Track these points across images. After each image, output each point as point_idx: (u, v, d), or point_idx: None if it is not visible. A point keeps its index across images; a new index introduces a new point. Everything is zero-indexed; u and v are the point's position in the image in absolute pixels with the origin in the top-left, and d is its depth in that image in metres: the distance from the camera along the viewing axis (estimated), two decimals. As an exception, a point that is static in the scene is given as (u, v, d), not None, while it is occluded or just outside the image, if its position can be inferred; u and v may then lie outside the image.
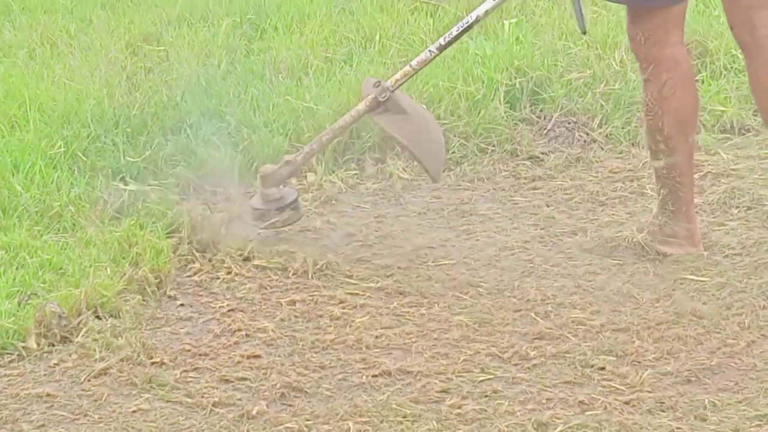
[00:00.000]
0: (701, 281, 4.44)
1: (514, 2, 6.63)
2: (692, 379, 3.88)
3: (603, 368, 3.93)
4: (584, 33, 4.75)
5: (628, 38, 4.54)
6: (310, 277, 4.55)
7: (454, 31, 4.67)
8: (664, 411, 3.71)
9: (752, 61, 4.46)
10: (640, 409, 3.73)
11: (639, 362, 3.97)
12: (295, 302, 4.39)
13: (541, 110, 5.75)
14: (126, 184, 5.10)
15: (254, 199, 4.86)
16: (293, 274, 4.57)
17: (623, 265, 4.56)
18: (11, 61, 6.36)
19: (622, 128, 5.63)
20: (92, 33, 6.64)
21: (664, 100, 4.45)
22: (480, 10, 4.61)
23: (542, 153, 5.50)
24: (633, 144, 5.56)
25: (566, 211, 5.02)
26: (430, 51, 4.72)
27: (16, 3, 7.18)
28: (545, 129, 5.67)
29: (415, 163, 5.20)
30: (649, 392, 3.81)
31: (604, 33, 6.19)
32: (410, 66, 4.74)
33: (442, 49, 4.71)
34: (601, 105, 5.73)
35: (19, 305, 4.26)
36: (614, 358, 3.99)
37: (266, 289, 4.50)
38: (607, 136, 5.62)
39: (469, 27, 4.66)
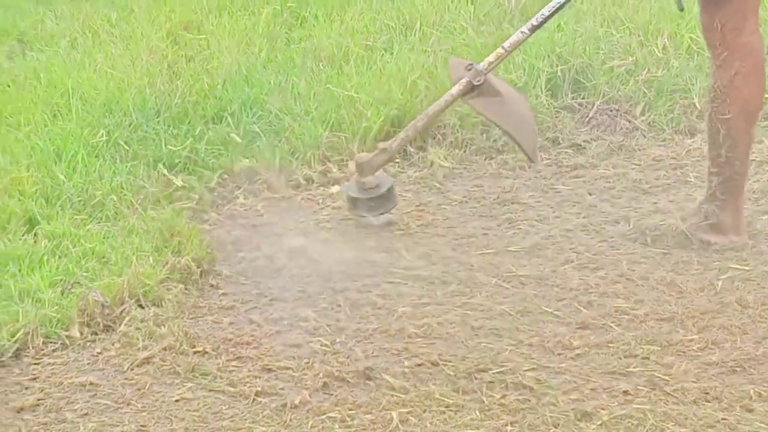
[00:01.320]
0: (746, 270, 4.40)
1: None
2: (737, 369, 3.85)
3: (647, 358, 3.91)
4: (681, 10, 4.66)
5: (701, 25, 4.46)
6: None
7: (546, 12, 4.62)
8: (709, 401, 3.68)
9: None
10: (685, 400, 3.70)
11: (683, 352, 3.94)
12: (337, 291, 4.38)
13: (582, 98, 5.71)
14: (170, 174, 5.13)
15: (349, 187, 4.85)
16: (335, 262, 4.57)
17: (667, 254, 4.53)
18: (53, 50, 6.39)
19: (665, 116, 5.59)
20: (133, 22, 6.66)
21: (734, 88, 4.40)
22: None
23: (584, 141, 5.47)
24: (676, 132, 5.53)
25: (609, 199, 4.99)
26: (522, 32, 4.67)
27: (58, -8, 7.22)
28: (587, 117, 5.64)
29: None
30: (694, 382, 3.77)
31: (646, 20, 6.14)
32: (503, 48, 4.68)
33: (534, 29, 4.66)
34: (644, 92, 5.69)
35: (62, 294, 4.28)
36: (658, 348, 3.96)
37: (308, 277, 4.49)
38: (649, 123, 5.58)
39: (561, 6, 4.62)
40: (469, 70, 4.68)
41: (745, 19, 4.38)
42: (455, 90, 4.70)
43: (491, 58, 4.70)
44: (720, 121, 4.45)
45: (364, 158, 4.79)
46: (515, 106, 4.76)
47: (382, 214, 4.81)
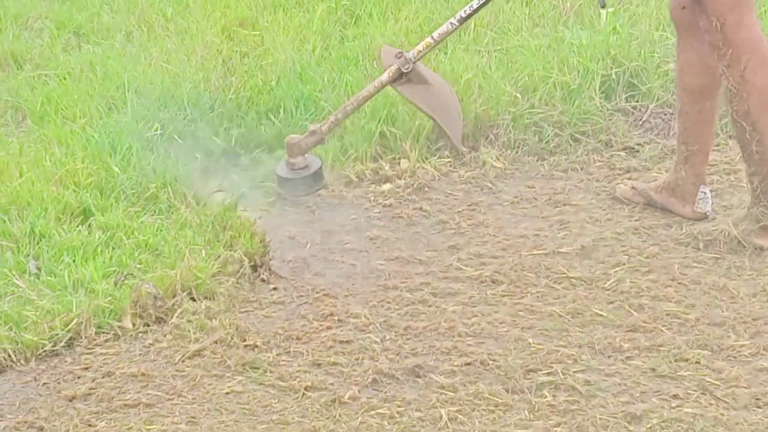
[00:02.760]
0: (799, 276, 4.38)
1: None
2: (789, 375, 3.84)
3: (698, 362, 3.89)
4: (603, 8, 4.75)
5: (702, 29, 4.45)
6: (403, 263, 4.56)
7: (475, 4, 4.89)
8: (760, 407, 3.67)
9: None
10: (736, 405, 3.68)
11: (734, 357, 3.92)
12: (387, 288, 4.39)
13: (636, 101, 5.69)
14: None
15: (279, 166, 5.06)
16: (386, 260, 4.58)
17: (719, 259, 4.50)
18: (109, 44, 6.44)
19: (719, 120, 5.53)
20: (189, 17, 6.69)
21: (746, 83, 4.37)
22: None
23: (637, 144, 5.45)
24: (730, 136, 5.47)
25: (661, 202, 4.96)
26: (451, 23, 4.96)
27: (115, -14, 7.27)
28: (641, 120, 5.61)
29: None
30: (745, 388, 3.76)
31: (702, 23, 6.10)
32: (431, 38, 4.97)
33: (462, 20, 4.96)
34: (698, 96, 5.65)
35: (115, 285, 4.32)
36: (709, 353, 3.94)
37: (359, 274, 4.51)
38: (703, 128, 5.54)
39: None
40: (399, 58, 4.99)
41: (742, 15, 4.34)
42: (384, 77, 5.00)
43: (420, 47, 5.00)
44: (743, 119, 4.41)
45: (294, 139, 5.01)
46: (442, 95, 5.06)
47: (308, 194, 5.01)
